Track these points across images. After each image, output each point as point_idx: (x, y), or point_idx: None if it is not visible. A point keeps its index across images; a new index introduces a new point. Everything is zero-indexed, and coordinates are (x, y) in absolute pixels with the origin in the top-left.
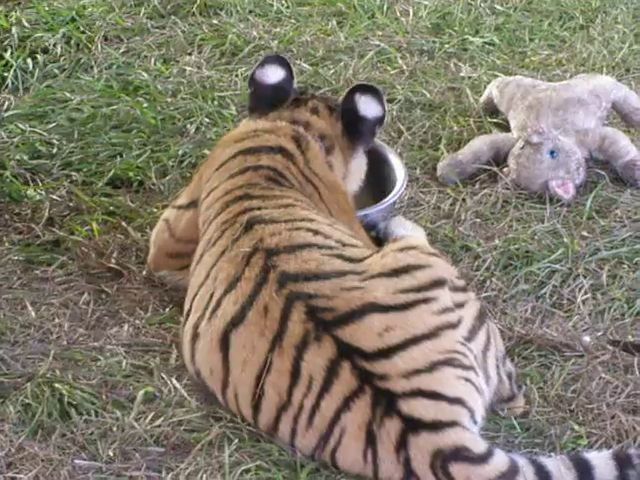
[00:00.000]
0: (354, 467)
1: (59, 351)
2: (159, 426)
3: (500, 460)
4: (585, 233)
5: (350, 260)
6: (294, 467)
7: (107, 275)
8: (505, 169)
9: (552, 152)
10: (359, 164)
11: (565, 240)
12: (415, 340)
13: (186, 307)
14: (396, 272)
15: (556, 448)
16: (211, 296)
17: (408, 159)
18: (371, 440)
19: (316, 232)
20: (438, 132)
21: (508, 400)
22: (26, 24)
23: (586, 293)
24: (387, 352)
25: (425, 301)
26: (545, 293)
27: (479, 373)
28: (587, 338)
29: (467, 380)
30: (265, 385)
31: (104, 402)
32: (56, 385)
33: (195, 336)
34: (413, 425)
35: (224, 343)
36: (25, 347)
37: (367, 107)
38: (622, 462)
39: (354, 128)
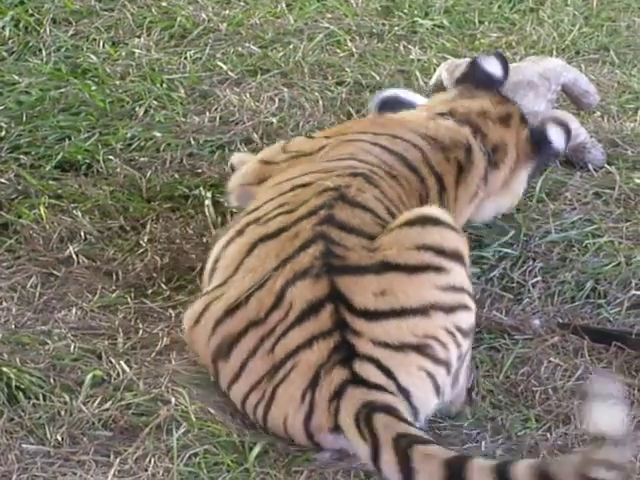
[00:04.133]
0: (290, 405)
1: (7, 335)
2: (107, 410)
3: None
4: (535, 216)
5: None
6: (242, 451)
7: (55, 259)
8: None
9: None
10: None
11: (515, 223)
12: (401, 313)
13: None
14: (422, 223)
15: (503, 432)
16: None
17: None
18: (314, 382)
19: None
20: None
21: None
22: None
23: (536, 276)
24: (371, 315)
25: (437, 270)
26: (495, 276)
27: (451, 372)
28: (537, 321)
29: (429, 376)
30: (251, 296)
31: (52, 386)
32: (4, 369)
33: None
34: (357, 381)
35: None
36: None
37: (556, 138)
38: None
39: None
